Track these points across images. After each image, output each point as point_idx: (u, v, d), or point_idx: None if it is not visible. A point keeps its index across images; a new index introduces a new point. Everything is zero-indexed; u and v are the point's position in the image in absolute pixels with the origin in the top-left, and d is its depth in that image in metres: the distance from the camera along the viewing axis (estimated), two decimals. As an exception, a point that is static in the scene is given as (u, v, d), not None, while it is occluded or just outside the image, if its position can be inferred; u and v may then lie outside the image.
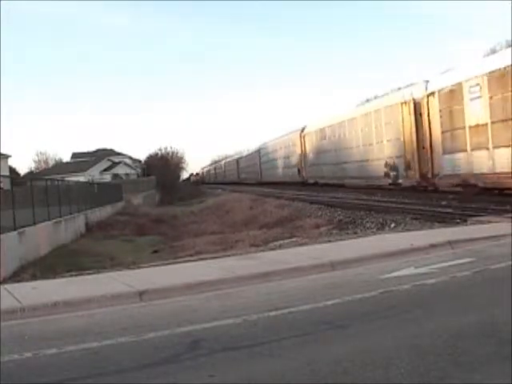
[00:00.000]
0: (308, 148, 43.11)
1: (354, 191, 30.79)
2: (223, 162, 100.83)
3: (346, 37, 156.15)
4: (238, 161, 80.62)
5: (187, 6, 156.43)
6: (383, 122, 28.00)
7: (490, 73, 18.74)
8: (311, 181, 42.08)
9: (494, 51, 37.18)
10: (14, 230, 15.28)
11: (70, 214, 23.96)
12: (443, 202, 19.88)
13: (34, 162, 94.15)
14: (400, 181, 26.41)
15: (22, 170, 77.83)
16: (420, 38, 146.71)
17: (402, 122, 25.56)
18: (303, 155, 43.90)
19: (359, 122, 31.59)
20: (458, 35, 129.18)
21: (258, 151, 63.31)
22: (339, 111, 41.06)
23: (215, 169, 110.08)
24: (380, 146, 28.67)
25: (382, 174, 28.27)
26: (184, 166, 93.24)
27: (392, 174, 27.30)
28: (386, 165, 27.90)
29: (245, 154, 77.82)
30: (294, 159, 46.83)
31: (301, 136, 44.41)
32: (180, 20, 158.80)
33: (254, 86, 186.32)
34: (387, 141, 27.74)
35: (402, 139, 25.83)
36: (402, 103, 25.62)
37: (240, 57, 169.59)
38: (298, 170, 45.55)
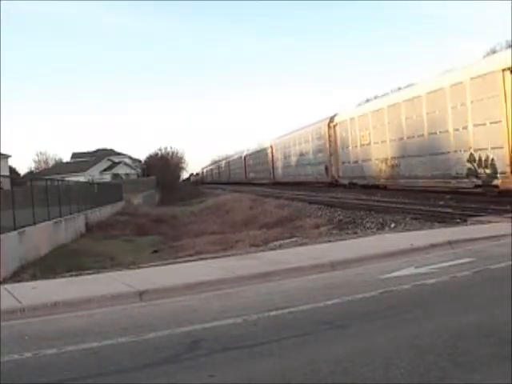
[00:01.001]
0: (340, 140, 34.38)
1: (354, 191, 30.72)
2: (228, 160, 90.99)
3: (345, 37, 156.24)
4: (245, 158, 70.97)
5: (187, 6, 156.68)
6: (468, 99, 20.14)
7: None
8: (344, 181, 33.94)
9: (494, 51, 37.22)
10: (14, 229, 15.28)
11: (70, 213, 23.97)
12: (441, 202, 19.89)
13: (34, 162, 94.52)
14: (497, 182, 18.98)
15: (22, 170, 78.13)
16: (420, 38, 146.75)
17: (505, 97, 18.11)
18: (333, 150, 35.57)
19: (425, 102, 23.42)
20: (458, 35, 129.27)
21: (271, 146, 55.12)
22: (389, 92, 33.99)
23: (218, 168, 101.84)
24: (462, 133, 20.84)
25: (464, 172, 20.81)
26: (184, 165, 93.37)
27: (482, 172, 19.76)
28: (472, 159, 20.29)
29: (253, 149, 67.75)
30: (320, 155, 38.63)
31: (329, 126, 35.84)
32: (180, 20, 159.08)
33: (253, 86, 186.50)
34: (476, 125, 19.92)
35: (503, 122, 18.31)
36: (503, 70, 18.09)
37: (240, 57, 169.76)
38: (326, 169, 37.45)
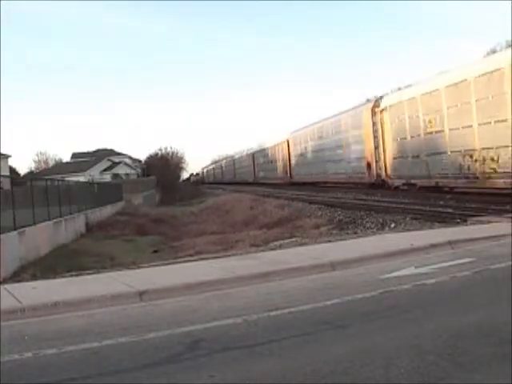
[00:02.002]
0: (391, 129, 26.90)
1: (354, 191, 30.62)
2: (232, 158, 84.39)
3: (346, 37, 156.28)
4: (254, 155, 64.23)
5: (187, 6, 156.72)
6: None
7: None
8: (396, 182, 27.03)
9: (494, 51, 37.20)
10: (14, 229, 15.27)
11: (70, 213, 23.96)
12: (442, 202, 19.87)
13: (34, 162, 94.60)
14: None
15: (22, 170, 78.19)
16: (420, 38, 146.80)
17: None
18: (379, 141, 28.38)
19: None
20: (458, 35, 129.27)
21: (287, 141, 48.05)
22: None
23: (222, 167, 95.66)
24: None
25: None
26: (184, 165, 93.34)
27: None
28: None
29: (264, 145, 60.17)
30: (359, 148, 31.38)
31: (374, 112, 28.65)
32: (180, 20, 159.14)
33: (253, 86, 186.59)
34: None
35: None
36: None
37: (240, 57, 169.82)
38: (368, 165, 29.97)
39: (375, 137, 28.86)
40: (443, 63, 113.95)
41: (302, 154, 44.29)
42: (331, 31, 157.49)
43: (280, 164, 51.44)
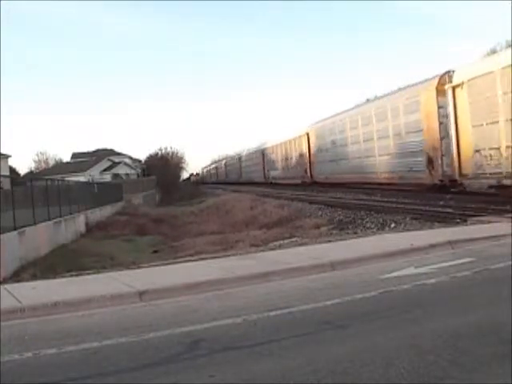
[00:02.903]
0: (470, 112, 19.15)
1: (354, 191, 30.63)
2: (238, 156, 76.84)
3: (346, 37, 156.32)
4: (263, 152, 57.02)
5: (187, 6, 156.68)
6: None
7: None
8: (478, 184, 19.53)
9: (494, 51, 37.19)
10: (14, 229, 15.28)
11: (70, 213, 23.97)
12: (442, 202, 19.86)
13: (34, 161, 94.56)
14: None
15: (22, 170, 78.18)
16: (420, 38, 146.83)
17: None
18: (450, 129, 20.49)
19: None
20: (458, 35, 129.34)
21: (307, 134, 41.18)
22: None
23: (225, 166, 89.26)
24: None
25: None
26: (184, 165, 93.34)
27: None
28: None
29: (276, 141, 52.48)
30: (414, 139, 24.38)
31: (440, 91, 21.44)
32: (180, 20, 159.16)
33: (254, 85, 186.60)
34: None
35: None
36: None
37: (240, 57, 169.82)
38: (429, 160, 23.03)
39: (441, 123, 21.68)
40: (443, 63, 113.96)
41: (327, 149, 36.69)
42: (331, 31, 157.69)
43: (297, 161, 44.19)
